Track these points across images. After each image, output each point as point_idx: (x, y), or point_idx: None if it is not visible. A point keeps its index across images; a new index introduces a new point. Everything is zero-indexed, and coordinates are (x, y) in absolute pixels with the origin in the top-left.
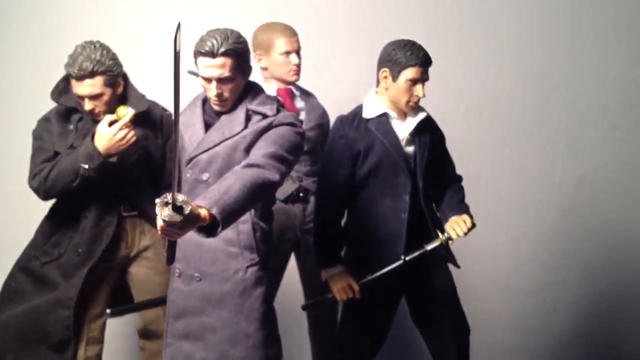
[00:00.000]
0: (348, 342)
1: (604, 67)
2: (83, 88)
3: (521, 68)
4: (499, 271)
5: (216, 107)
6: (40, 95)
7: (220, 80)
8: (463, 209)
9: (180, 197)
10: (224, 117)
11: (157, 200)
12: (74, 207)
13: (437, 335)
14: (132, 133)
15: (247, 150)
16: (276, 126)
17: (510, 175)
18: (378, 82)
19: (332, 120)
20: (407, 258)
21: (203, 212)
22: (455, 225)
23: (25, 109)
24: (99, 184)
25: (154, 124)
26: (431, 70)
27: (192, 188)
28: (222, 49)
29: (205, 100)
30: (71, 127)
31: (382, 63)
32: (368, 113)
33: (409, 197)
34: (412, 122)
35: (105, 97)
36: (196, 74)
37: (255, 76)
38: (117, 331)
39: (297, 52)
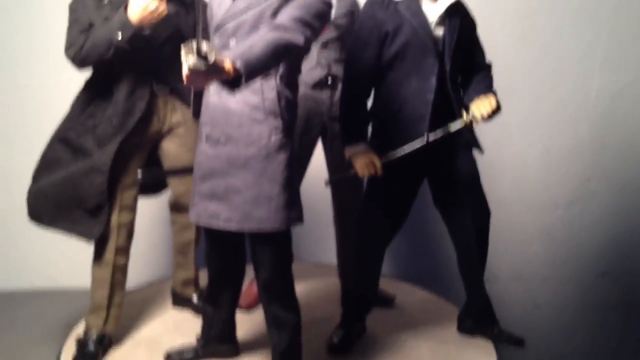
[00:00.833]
0: (369, 221)
1: None
2: None
3: None
4: (528, 182)
5: None
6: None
7: None
8: (490, 91)
9: (205, 45)
10: None
11: (183, 47)
12: (107, 80)
13: (457, 217)
14: (163, 6)
15: (274, 16)
16: None
17: (545, 87)
18: None
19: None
20: (430, 136)
21: (227, 64)
22: (481, 105)
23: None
24: (131, 59)
25: (186, 3)
26: None
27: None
28: None
29: None
30: (105, 1)
31: None
32: None
33: (436, 79)
34: (443, 4)
35: None
36: None
37: None
38: (150, 204)
39: None
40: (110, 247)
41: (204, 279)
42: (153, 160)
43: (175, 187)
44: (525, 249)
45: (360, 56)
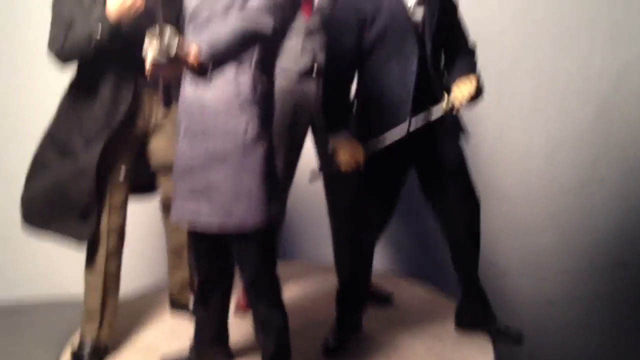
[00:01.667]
0: (359, 213)
1: None
2: None
3: None
4: (535, 169)
5: None
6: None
7: None
8: (471, 72)
9: (167, 36)
10: None
11: (147, 34)
12: (92, 78)
13: (445, 207)
14: (140, 1)
15: (245, 2)
16: None
17: (545, 65)
18: None
19: None
20: (412, 122)
21: (193, 50)
22: (462, 86)
23: None
24: (114, 54)
25: None
26: None
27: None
28: None
29: None
30: None
31: None
32: None
33: (417, 63)
34: None
35: None
36: None
37: None
38: (141, 206)
39: None
40: (101, 253)
41: None
42: (142, 159)
43: (165, 185)
44: (535, 241)
45: (340, 42)
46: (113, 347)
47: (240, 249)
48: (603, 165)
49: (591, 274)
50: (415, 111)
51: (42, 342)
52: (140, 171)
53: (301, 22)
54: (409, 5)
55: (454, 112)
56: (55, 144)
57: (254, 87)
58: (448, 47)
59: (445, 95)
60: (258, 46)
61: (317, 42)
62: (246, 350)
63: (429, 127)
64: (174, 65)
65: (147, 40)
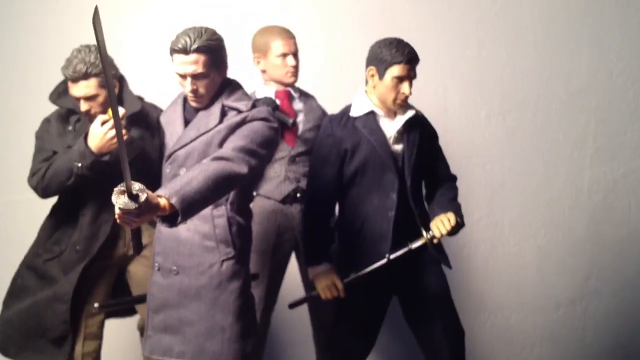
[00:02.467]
0: (339, 343)
1: (632, 70)
2: (78, 89)
3: (545, 71)
4: (526, 281)
5: (192, 103)
6: (43, 100)
7: (195, 77)
8: (450, 207)
9: (136, 186)
10: (200, 113)
11: (115, 189)
12: (73, 205)
13: (428, 337)
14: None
15: (221, 144)
16: (250, 121)
17: (536, 181)
18: (367, 81)
19: None
20: (392, 256)
21: (162, 202)
22: (439, 223)
23: (27, 114)
24: (95, 183)
25: (151, 125)
26: (452, 76)
27: None
28: (194, 46)
29: (186, 98)
30: (70, 127)
31: (369, 61)
32: (355, 111)
33: (397, 195)
34: (401, 119)
35: (100, 99)
36: None
37: (256, 78)
38: (118, 329)
39: (295, 55)
40: None
41: None
42: (121, 284)
43: (142, 310)
44: (526, 354)
45: (320, 173)
46: None
47: None
48: (595, 279)
49: None
50: (395, 243)
51: None
52: (119, 296)
53: (285, 151)
54: (388, 136)
55: (434, 242)
56: (34, 269)
57: (230, 225)
58: (429, 177)
59: (424, 232)
60: None
61: (300, 168)
62: None
63: (411, 256)
64: (143, 214)
65: (113, 197)
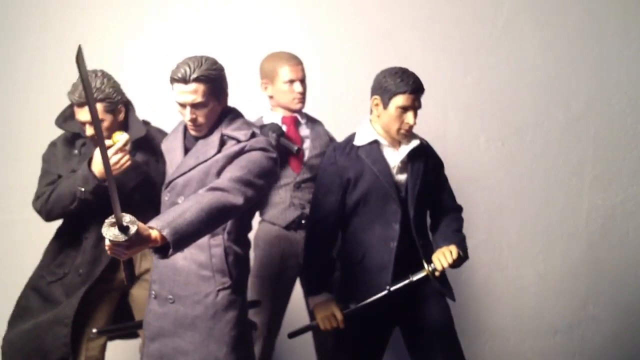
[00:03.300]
0: None
1: (632, 96)
2: (83, 114)
3: (544, 97)
4: (524, 307)
5: (192, 132)
6: (49, 124)
7: (194, 106)
8: (454, 239)
9: (127, 218)
10: (200, 142)
11: (106, 220)
12: (77, 228)
13: None
14: (126, 158)
15: (219, 174)
16: (248, 151)
17: (535, 207)
18: (371, 110)
19: None
20: (392, 288)
21: (154, 234)
22: (441, 256)
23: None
24: (98, 208)
25: (156, 150)
26: (452, 101)
27: None
28: (194, 75)
29: (187, 126)
30: (75, 151)
31: (373, 91)
32: (359, 140)
33: (399, 226)
34: (404, 149)
35: (106, 123)
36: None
37: (264, 104)
38: (120, 352)
39: (302, 81)
40: None
41: None
42: (124, 307)
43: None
44: None
45: (323, 202)
46: None
47: None
48: (593, 305)
49: None
50: (396, 274)
51: None
52: (122, 318)
53: (290, 177)
54: (392, 166)
55: (436, 275)
56: (38, 291)
57: (227, 254)
58: (434, 207)
59: (425, 265)
60: None
61: (305, 195)
62: None
63: (413, 288)
64: (133, 245)
65: (104, 229)
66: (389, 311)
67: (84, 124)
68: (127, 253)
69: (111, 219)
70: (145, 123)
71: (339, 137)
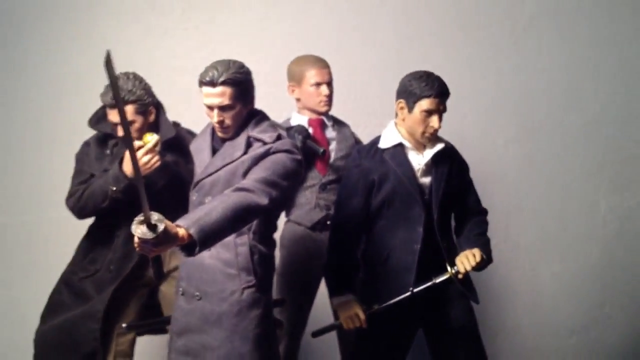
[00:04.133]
0: None
1: None
2: (115, 115)
3: (562, 99)
4: (541, 307)
5: (219, 134)
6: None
7: (221, 108)
8: (478, 242)
9: (155, 216)
10: (227, 144)
11: (135, 218)
12: (108, 226)
13: None
14: (156, 158)
15: (245, 175)
16: (273, 153)
17: (552, 208)
18: (397, 114)
19: None
20: (415, 290)
21: (181, 232)
22: (464, 259)
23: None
24: (129, 206)
25: (186, 151)
26: (470, 104)
27: None
28: (221, 78)
29: (214, 128)
30: (108, 151)
31: (398, 94)
32: (384, 143)
33: (423, 229)
34: (429, 153)
35: (137, 125)
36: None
37: (291, 107)
38: (150, 348)
39: (328, 84)
40: None
41: None
42: (154, 304)
43: None
44: None
45: (347, 204)
46: None
47: None
48: (609, 306)
49: None
50: (420, 276)
51: None
52: (152, 315)
53: (316, 179)
54: (416, 169)
55: (459, 277)
56: (70, 286)
57: (252, 253)
58: (458, 210)
59: (449, 267)
60: None
61: (331, 196)
62: None
63: (437, 290)
64: (161, 243)
65: (133, 226)
66: (412, 313)
67: (115, 124)
68: (154, 250)
69: (140, 217)
70: (175, 124)
71: (365, 140)
